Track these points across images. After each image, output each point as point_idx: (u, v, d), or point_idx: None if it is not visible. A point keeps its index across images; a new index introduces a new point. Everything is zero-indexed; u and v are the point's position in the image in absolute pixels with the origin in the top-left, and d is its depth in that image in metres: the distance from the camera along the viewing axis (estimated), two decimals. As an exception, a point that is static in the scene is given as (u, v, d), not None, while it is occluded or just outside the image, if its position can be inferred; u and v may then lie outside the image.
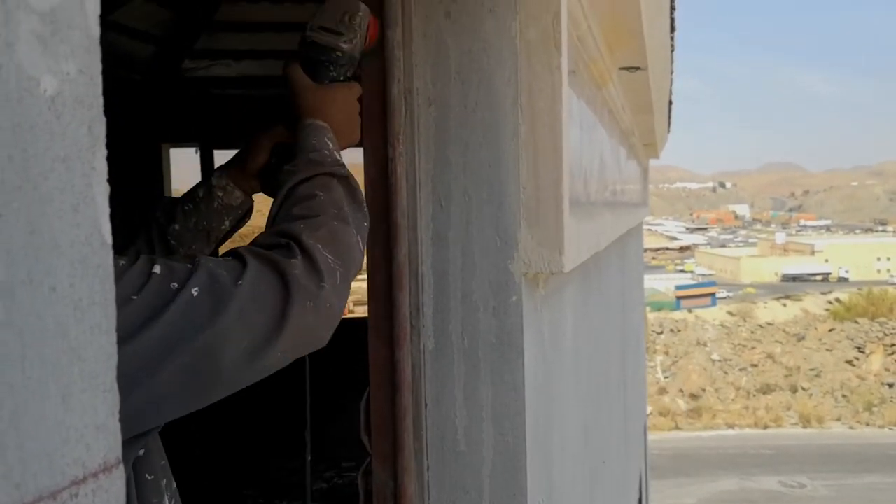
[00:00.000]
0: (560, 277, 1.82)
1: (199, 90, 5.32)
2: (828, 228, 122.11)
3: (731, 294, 55.70)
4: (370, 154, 1.54)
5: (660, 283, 58.68)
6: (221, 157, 5.35)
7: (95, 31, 0.42)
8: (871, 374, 33.72)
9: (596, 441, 3.05)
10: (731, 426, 29.72)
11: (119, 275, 0.86)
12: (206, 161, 5.31)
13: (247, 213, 1.41)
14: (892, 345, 35.11)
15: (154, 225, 1.35)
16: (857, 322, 37.14)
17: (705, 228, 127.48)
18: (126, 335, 0.84)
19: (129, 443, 0.91)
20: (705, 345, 36.78)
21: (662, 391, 32.72)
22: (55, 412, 0.38)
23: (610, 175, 3.87)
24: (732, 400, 32.36)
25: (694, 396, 32.63)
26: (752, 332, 38.08)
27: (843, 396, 32.15)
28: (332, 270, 1.04)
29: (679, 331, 38.06)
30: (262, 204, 1.32)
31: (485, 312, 1.57)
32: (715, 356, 35.87)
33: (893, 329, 35.87)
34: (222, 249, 1.24)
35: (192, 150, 5.42)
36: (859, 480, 21.72)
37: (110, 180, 0.43)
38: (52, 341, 0.38)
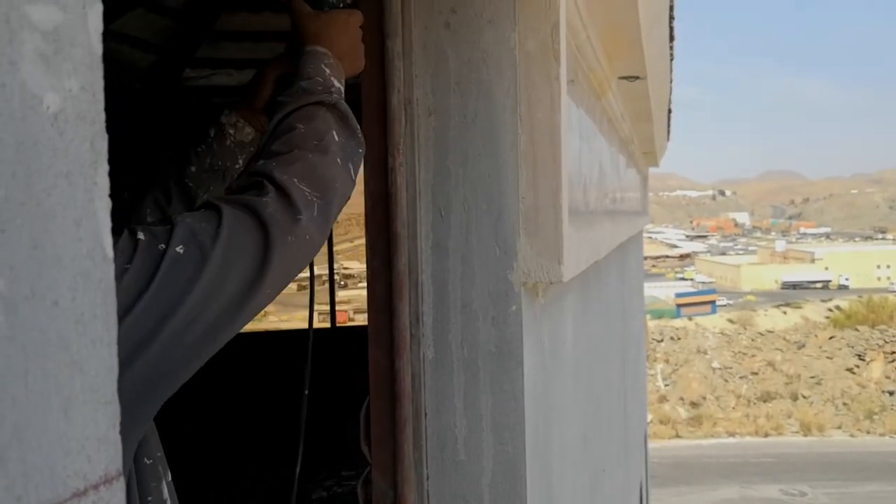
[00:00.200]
0: (560, 286, 1.82)
1: (201, 99, 5.33)
2: (828, 236, 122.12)
3: (731, 302, 55.67)
4: (370, 164, 1.55)
5: (660, 291, 58.67)
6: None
7: (98, 48, 0.43)
8: (872, 381, 33.68)
9: (596, 449, 3.05)
10: (731, 434, 29.68)
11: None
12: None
13: None
14: (893, 352, 35.07)
15: (169, 170, 1.36)
16: (857, 330, 37.11)
17: (705, 236, 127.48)
18: (127, 304, 0.88)
19: (139, 419, 0.94)
20: (706, 353, 36.75)
21: (663, 399, 32.67)
22: (57, 425, 0.39)
23: (609, 183, 3.88)
24: (733, 408, 32.32)
25: (694, 404, 32.59)
26: (753, 340, 38.05)
27: (844, 404, 32.10)
28: (310, 203, 1.06)
29: (679, 339, 38.04)
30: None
31: (484, 322, 1.57)
32: (715, 364, 35.84)
33: (894, 337, 35.83)
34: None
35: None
36: (860, 489, 21.68)
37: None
38: (55, 355, 0.39)
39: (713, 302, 51.58)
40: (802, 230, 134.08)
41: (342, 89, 1.25)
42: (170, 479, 1.16)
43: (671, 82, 5.39)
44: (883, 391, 32.70)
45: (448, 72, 1.55)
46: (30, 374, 0.37)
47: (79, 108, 0.41)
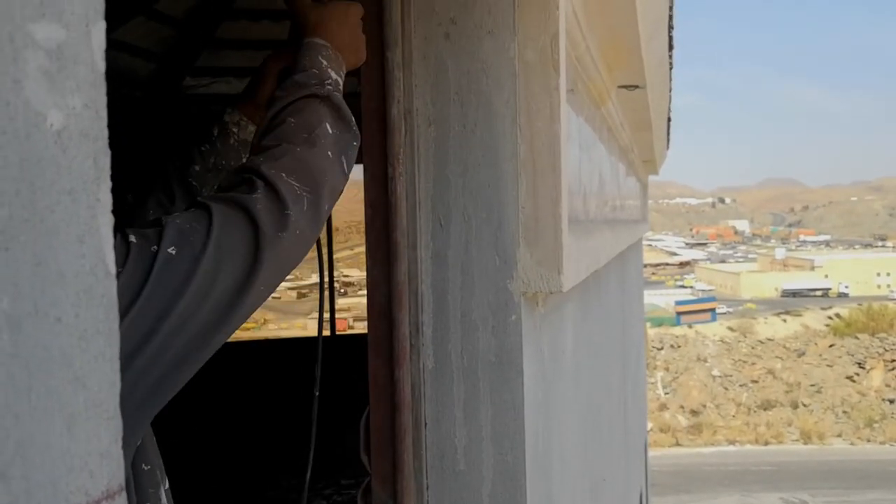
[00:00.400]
0: (559, 295, 1.82)
1: (201, 107, 5.34)
2: (827, 244, 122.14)
3: (731, 309, 55.67)
4: (370, 174, 1.55)
5: (660, 299, 58.67)
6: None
7: (101, 65, 0.43)
8: (872, 389, 33.64)
9: (596, 458, 3.04)
10: (731, 442, 29.63)
11: None
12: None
13: None
14: (893, 360, 35.04)
15: (172, 170, 1.36)
16: (857, 338, 37.09)
17: (705, 244, 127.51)
18: (122, 308, 0.86)
19: (136, 425, 0.93)
20: (706, 360, 36.72)
21: (663, 407, 32.63)
22: (60, 441, 0.39)
23: (609, 192, 3.88)
24: (733, 416, 32.27)
25: (694, 412, 32.55)
26: (753, 348, 38.02)
27: (844, 412, 32.06)
28: (299, 197, 1.06)
29: (679, 346, 38.01)
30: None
31: (484, 331, 1.57)
32: (715, 372, 35.81)
33: (894, 345, 35.81)
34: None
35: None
36: (861, 497, 21.63)
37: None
38: (58, 371, 0.39)
39: (713, 310, 51.60)
40: (802, 238, 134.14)
41: (339, 81, 1.24)
42: (167, 486, 1.16)
43: (670, 91, 5.40)
44: (883, 399, 32.66)
45: (448, 82, 1.55)
46: (33, 390, 0.37)
47: (82, 126, 0.41)
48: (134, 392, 0.90)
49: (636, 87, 3.63)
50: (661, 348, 37.53)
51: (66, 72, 0.40)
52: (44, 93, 0.38)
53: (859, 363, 35.30)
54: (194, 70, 5.20)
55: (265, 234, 1.01)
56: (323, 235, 1.25)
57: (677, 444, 29.33)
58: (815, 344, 37.52)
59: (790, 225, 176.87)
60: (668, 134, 7.30)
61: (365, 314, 1.61)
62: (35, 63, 0.38)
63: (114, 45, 4.42)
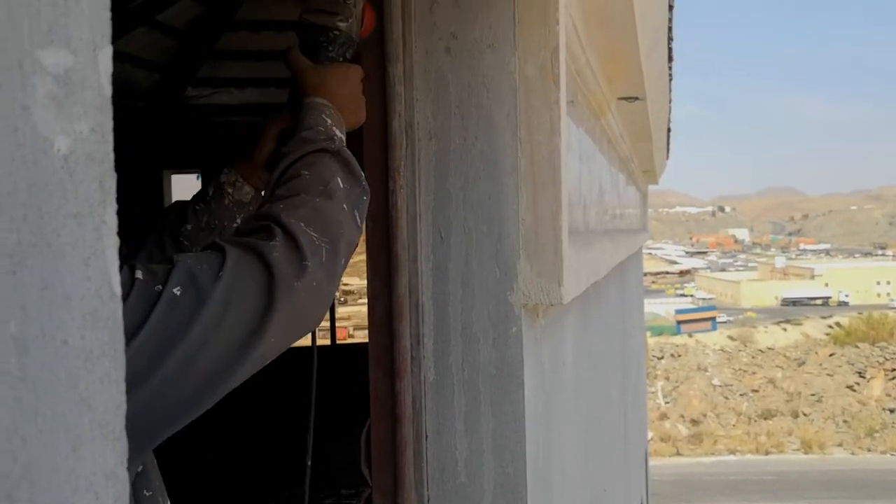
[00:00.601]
0: (560, 307, 1.82)
1: (202, 117, 5.36)
2: (827, 252, 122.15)
3: (731, 318, 55.62)
4: (371, 187, 1.55)
5: (660, 308, 58.64)
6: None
7: (107, 89, 0.43)
8: (873, 399, 33.59)
9: (597, 469, 3.04)
10: (732, 452, 29.57)
11: None
12: (207, 188, 5.33)
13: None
14: (893, 370, 35.00)
15: (165, 227, 1.35)
16: (857, 347, 37.06)
17: (705, 252, 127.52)
18: None
19: (132, 455, 0.92)
20: (706, 370, 36.68)
21: (663, 416, 32.58)
22: (66, 462, 0.39)
23: (609, 202, 3.89)
24: (734, 425, 32.22)
25: (695, 422, 32.50)
26: (753, 357, 37.99)
27: (845, 422, 32.01)
28: (317, 248, 1.04)
29: (679, 356, 37.97)
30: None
31: (485, 343, 1.57)
32: (716, 381, 35.76)
33: (894, 354, 35.78)
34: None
35: (194, 176, 5.45)
36: (862, 507, 21.58)
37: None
38: (64, 393, 0.39)
39: (713, 318, 51.58)
40: (802, 246, 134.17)
41: (343, 139, 1.24)
42: None
43: (670, 102, 5.42)
44: (883, 409, 32.61)
45: (448, 96, 1.56)
46: (40, 413, 0.38)
47: (88, 150, 0.41)
48: (128, 425, 0.88)
49: (636, 98, 3.65)
50: (662, 357, 37.50)
51: (73, 97, 0.40)
52: (51, 118, 0.39)
53: (860, 372, 35.26)
54: (195, 80, 5.23)
55: (280, 282, 0.98)
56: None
57: (678, 454, 29.27)
58: (816, 353, 37.48)
59: (790, 234, 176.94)
60: (668, 144, 7.31)
61: (365, 323, 1.62)
62: (43, 89, 0.39)
63: (116, 56, 4.41)
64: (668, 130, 6.65)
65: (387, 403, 1.56)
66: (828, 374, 35.42)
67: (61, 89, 0.40)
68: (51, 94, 0.39)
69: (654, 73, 3.60)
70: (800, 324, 46.36)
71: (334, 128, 1.23)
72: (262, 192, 1.37)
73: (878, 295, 73.58)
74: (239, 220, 1.39)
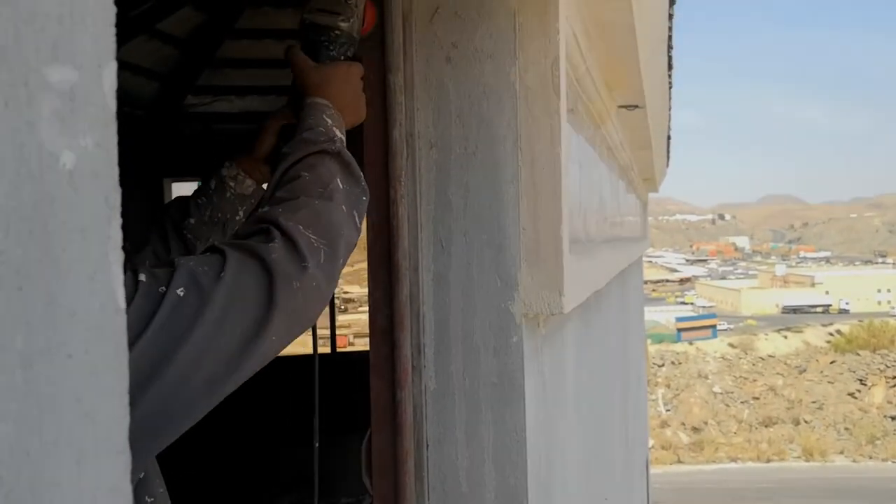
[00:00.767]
0: (560, 316, 1.83)
1: (202, 125, 5.37)
2: (827, 260, 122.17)
3: (731, 326, 55.58)
4: (372, 196, 1.56)
5: (660, 316, 58.62)
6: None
7: (112, 105, 0.44)
8: (874, 406, 33.56)
9: (598, 477, 3.04)
10: (733, 459, 29.53)
11: None
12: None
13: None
14: (894, 377, 34.96)
15: (168, 222, 1.36)
16: (858, 354, 37.04)
17: (705, 260, 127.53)
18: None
19: (137, 459, 0.92)
20: (707, 377, 36.65)
21: (664, 424, 32.54)
22: (69, 476, 0.39)
23: (609, 210, 3.89)
24: (734, 433, 32.18)
25: (696, 429, 32.45)
26: (754, 365, 37.96)
27: (846, 429, 31.97)
28: (316, 250, 1.05)
29: (680, 363, 37.94)
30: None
31: (486, 353, 1.58)
32: (716, 389, 35.73)
33: (895, 361, 35.74)
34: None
35: (194, 184, 5.46)
36: (863, 514, 21.53)
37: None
38: (68, 407, 0.40)
39: (714, 326, 51.52)
40: (802, 254, 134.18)
41: (344, 139, 1.25)
42: None
43: (670, 110, 5.43)
44: (885, 416, 32.57)
45: (449, 105, 1.56)
46: (44, 427, 0.38)
47: (93, 165, 0.42)
48: (133, 433, 0.88)
49: (636, 107, 3.65)
50: (662, 365, 37.47)
51: (78, 113, 0.41)
52: (57, 134, 0.39)
53: (861, 380, 35.23)
54: (196, 89, 5.23)
55: (280, 283, 0.99)
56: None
57: (679, 462, 29.22)
58: (816, 360, 37.46)
59: (790, 241, 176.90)
60: (668, 152, 7.32)
61: (365, 331, 1.62)
62: (49, 105, 0.39)
63: (117, 66, 4.44)
64: (668, 138, 6.66)
65: (388, 412, 1.56)
66: (829, 382, 35.39)
67: (66, 105, 0.40)
68: (56, 110, 0.39)
69: (653, 82, 3.61)
70: (800, 331, 46.33)
71: (335, 128, 1.24)
72: (265, 185, 1.39)
73: (879, 303, 73.55)
74: (241, 214, 1.40)
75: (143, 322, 0.89)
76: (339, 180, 1.16)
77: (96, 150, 0.42)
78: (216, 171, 1.40)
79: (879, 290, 76.42)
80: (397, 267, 1.55)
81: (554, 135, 1.55)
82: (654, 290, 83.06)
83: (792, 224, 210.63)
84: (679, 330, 50.42)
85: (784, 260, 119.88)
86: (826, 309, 69.87)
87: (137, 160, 4.91)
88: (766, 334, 45.67)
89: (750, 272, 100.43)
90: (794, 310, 68.57)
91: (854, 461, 29.23)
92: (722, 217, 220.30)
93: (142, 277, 0.92)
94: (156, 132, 5.18)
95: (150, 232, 1.36)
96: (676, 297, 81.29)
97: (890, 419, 32.29)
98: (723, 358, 38.86)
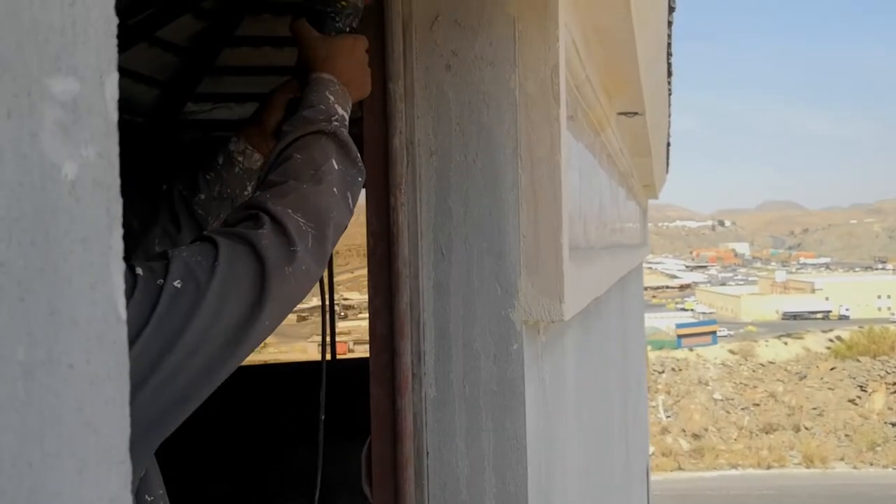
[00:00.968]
0: (561, 323, 1.83)
1: (202, 133, 5.37)
2: (827, 266, 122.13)
3: (731, 332, 55.53)
4: (372, 204, 1.56)
5: (660, 322, 58.56)
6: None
7: (114, 115, 0.44)
8: (874, 412, 33.52)
9: (598, 484, 3.03)
10: (734, 466, 29.48)
11: None
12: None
13: None
14: (895, 383, 34.93)
15: (177, 198, 1.36)
16: (858, 360, 37.01)
17: (705, 267, 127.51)
18: (128, 340, 0.86)
19: (137, 457, 0.93)
20: (707, 384, 36.61)
21: (664, 431, 32.50)
22: (71, 486, 0.40)
23: (609, 217, 3.90)
24: (735, 439, 32.14)
25: (696, 436, 32.41)
26: (754, 371, 37.93)
27: (846, 436, 31.94)
28: (304, 233, 1.06)
29: (680, 370, 37.91)
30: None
31: (486, 360, 1.57)
32: (717, 395, 35.69)
33: (895, 367, 35.71)
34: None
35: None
36: (865, 521, 21.48)
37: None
38: (69, 417, 0.40)
39: (714, 332, 51.50)
40: (802, 260, 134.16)
41: (346, 116, 1.26)
42: None
43: (669, 116, 5.43)
44: (885, 422, 32.53)
45: (449, 113, 1.57)
46: (45, 438, 0.38)
47: (95, 175, 0.42)
48: (137, 424, 0.90)
49: (635, 113, 3.66)
50: (662, 371, 37.44)
51: (80, 123, 0.41)
52: (59, 145, 0.39)
53: (861, 386, 35.20)
54: (196, 96, 5.24)
55: (271, 269, 1.01)
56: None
57: (679, 469, 29.18)
58: (817, 367, 37.44)
59: (790, 248, 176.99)
60: (668, 158, 7.33)
61: (365, 337, 1.62)
62: (51, 116, 0.39)
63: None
64: (668, 145, 6.67)
65: (388, 420, 1.56)
66: (829, 388, 35.36)
67: (69, 116, 0.40)
68: (58, 120, 0.39)
69: (653, 89, 3.61)
70: (801, 338, 46.30)
71: (337, 105, 1.24)
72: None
73: (879, 309, 73.54)
74: (250, 188, 1.39)
75: (144, 316, 0.91)
76: (333, 161, 1.16)
77: (98, 160, 0.42)
78: (223, 146, 1.40)
79: (879, 297, 76.41)
80: (397, 274, 1.55)
81: (554, 142, 1.56)
82: (654, 297, 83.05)
83: (792, 230, 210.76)
84: (679, 336, 50.39)
85: (784, 266, 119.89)
86: (826, 315, 69.84)
87: (137, 167, 4.90)
88: (767, 340, 45.65)
89: (750, 278, 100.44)
90: (795, 316, 68.54)
91: (855, 468, 29.20)
92: (722, 223, 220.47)
93: (139, 271, 0.93)
94: (156, 139, 5.18)
95: (157, 208, 1.36)
96: (676, 303, 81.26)
97: (890, 425, 32.26)
98: (723, 364, 38.84)
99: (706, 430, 32.71)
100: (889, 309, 73.16)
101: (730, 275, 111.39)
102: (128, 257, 0.94)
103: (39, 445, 0.38)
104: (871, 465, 29.40)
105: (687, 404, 34.75)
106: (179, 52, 4.93)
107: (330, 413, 1.41)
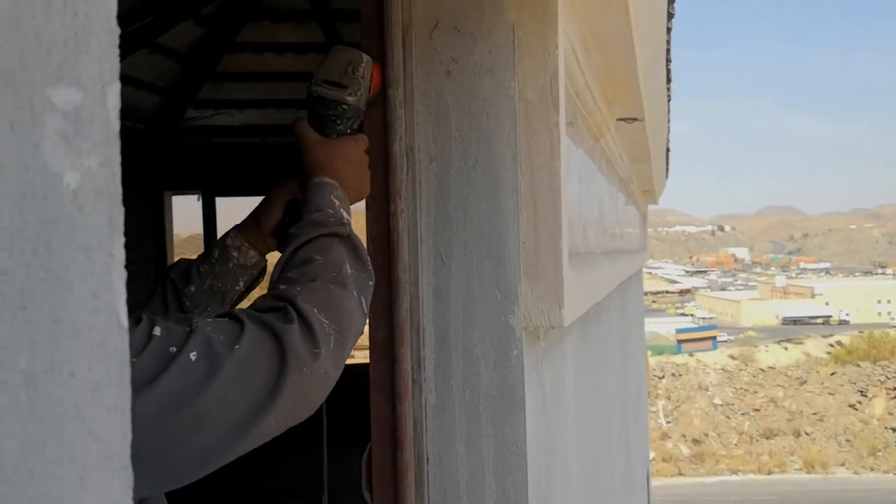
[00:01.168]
0: (560, 329, 1.83)
1: (202, 139, 5.39)
2: (827, 271, 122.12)
3: (731, 337, 55.51)
4: (372, 210, 1.57)
5: (660, 327, 58.55)
6: (223, 204, 5.41)
7: (116, 124, 0.44)
8: (875, 417, 33.48)
9: (598, 490, 3.03)
10: (734, 471, 29.45)
11: None
12: (208, 208, 5.36)
13: (261, 273, 1.41)
14: (895, 388, 34.90)
15: (169, 287, 1.35)
16: (858, 365, 36.98)
17: (705, 271, 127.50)
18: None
19: None
20: (707, 389, 36.58)
21: (665, 436, 32.46)
22: (73, 494, 0.40)
23: (609, 223, 3.90)
24: (735, 445, 32.10)
25: (696, 441, 32.37)
26: (754, 376, 37.89)
27: (847, 441, 31.90)
28: (327, 335, 1.03)
29: (680, 375, 37.88)
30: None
31: (486, 366, 1.58)
32: (717, 400, 35.66)
33: (895, 372, 35.68)
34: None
35: (195, 197, 5.47)
36: (865, 527, 21.44)
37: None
38: (71, 425, 0.40)
39: (714, 338, 51.45)
40: (802, 265, 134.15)
41: (350, 221, 1.25)
42: None
43: (669, 122, 5.44)
44: (886, 428, 32.49)
45: (449, 119, 1.57)
46: (47, 445, 0.38)
47: (97, 184, 0.42)
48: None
49: (635, 119, 3.67)
50: (663, 377, 37.40)
51: (82, 133, 0.41)
52: (61, 154, 0.40)
53: (861, 391, 35.17)
54: (196, 102, 5.25)
55: (291, 366, 0.97)
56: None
57: (679, 474, 29.13)
58: (817, 372, 37.40)
59: (790, 253, 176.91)
60: (668, 164, 7.33)
61: (364, 343, 1.62)
62: (53, 126, 0.39)
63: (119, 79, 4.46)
64: (668, 150, 6.68)
65: (388, 426, 1.56)
66: (829, 393, 35.32)
67: (71, 126, 0.40)
68: (60, 130, 0.40)
69: (652, 94, 3.62)
70: (801, 343, 46.28)
71: (342, 209, 1.24)
72: (267, 257, 1.39)
73: (879, 314, 73.53)
74: (241, 284, 1.38)
75: (147, 378, 0.87)
76: (348, 265, 1.15)
77: (100, 169, 0.42)
78: (220, 241, 1.39)
79: (879, 301, 76.40)
80: (397, 280, 1.55)
81: (553, 148, 1.56)
82: (654, 302, 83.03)
83: (792, 235, 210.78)
84: (679, 341, 50.35)
85: (784, 271, 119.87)
86: (826, 320, 69.82)
87: (138, 174, 4.92)
88: (767, 346, 45.62)
89: (750, 283, 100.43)
90: (795, 321, 68.51)
91: (855, 473, 29.15)
92: (722, 228, 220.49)
93: (156, 332, 0.90)
94: (157, 145, 5.19)
95: (152, 295, 1.35)
96: (676, 308, 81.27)
97: (891, 431, 32.21)
98: (723, 369, 38.80)
99: (706, 435, 32.67)
100: (889, 314, 73.14)
101: (730, 280, 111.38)
102: (153, 317, 0.92)
103: (41, 453, 0.38)
104: (872, 470, 29.35)
105: (687, 409, 34.71)
106: (180, 59, 4.95)
107: (330, 419, 1.41)
